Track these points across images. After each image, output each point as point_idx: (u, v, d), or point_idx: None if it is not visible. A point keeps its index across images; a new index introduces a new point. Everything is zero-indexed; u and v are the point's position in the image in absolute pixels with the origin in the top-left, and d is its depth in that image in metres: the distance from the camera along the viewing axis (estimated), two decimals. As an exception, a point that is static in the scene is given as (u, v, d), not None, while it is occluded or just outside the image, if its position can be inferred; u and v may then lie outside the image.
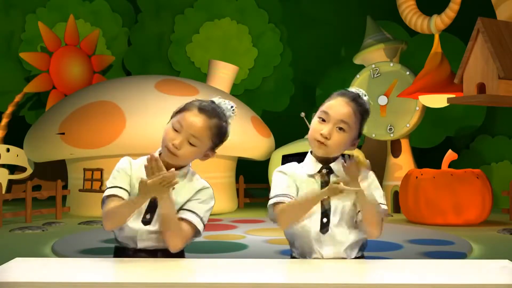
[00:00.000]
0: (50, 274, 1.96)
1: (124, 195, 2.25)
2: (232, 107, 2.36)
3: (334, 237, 2.25)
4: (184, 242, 2.24)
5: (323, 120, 2.27)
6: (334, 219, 2.25)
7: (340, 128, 2.25)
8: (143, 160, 2.29)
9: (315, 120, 2.30)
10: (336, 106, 2.28)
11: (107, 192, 2.26)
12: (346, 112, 2.27)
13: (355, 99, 2.31)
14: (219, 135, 2.32)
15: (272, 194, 2.29)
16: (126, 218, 2.22)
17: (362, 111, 2.32)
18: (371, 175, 2.31)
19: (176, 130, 2.25)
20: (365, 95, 2.37)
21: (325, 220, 2.25)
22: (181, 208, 2.27)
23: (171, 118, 2.32)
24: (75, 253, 5.15)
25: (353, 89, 2.36)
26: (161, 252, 2.28)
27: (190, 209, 2.27)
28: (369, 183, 2.28)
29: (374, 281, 1.91)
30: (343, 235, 2.25)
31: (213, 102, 2.34)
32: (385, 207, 2.29)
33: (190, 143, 2.25)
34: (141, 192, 2.14)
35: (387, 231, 6.82)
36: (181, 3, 10.94)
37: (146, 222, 2.26)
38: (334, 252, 2.25)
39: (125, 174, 2.29)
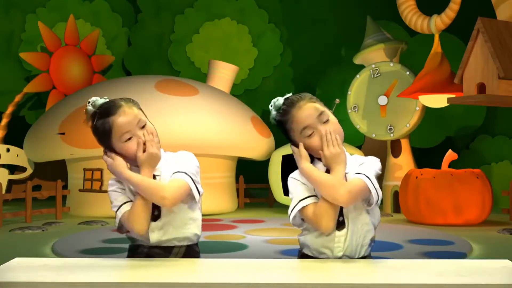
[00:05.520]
0: (50, 274, 1.96)
1: None
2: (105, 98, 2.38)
3: (350, 235, 2.24)
4: (173, 193, 2.23)
5: (311, 134, 2.27)
6: (349, 216, 2.24)
7: (325, 121, 2.27)
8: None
9: (306, 142, 2.28)
10: (305, 112, 2.27)
11: (120, 212, 2.29)
12: (312, 110, 2.27)
13: (303, 97, 2.31)
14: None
15: (294, 200, 2.28)
16: (145, 205, 2.23)
17: (311, 97, 2.33)
18: (366, 159, 2.32)
19: (129, 139, 2.27)
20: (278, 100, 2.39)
21: (341, 218, 2.25)
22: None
23: (107, 146, 2.32)
24: (75, 253, 5.15)
25: (278, 99, 2.37)
26: (177, 249, 2.31)
27: (174, 171, 2.30)
28: (360, 163, 2.29)
29: (374, 281, 1.91)
30: (358, 232, 2.25)
31: (104, 103, 2.33)
32: (371, 187, 2.20)
33: (143, 127, 2.29)
34: (140, 166, 2.26)
35: (387, 231, 6.82)
36: (181, 3, 10.95)
37: (155, 217, 2.30)
38: (348, 250, 2.25)
39: (121, 189, 2.33)
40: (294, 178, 2.33)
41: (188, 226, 2.34)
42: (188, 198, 2.31)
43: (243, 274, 2.00)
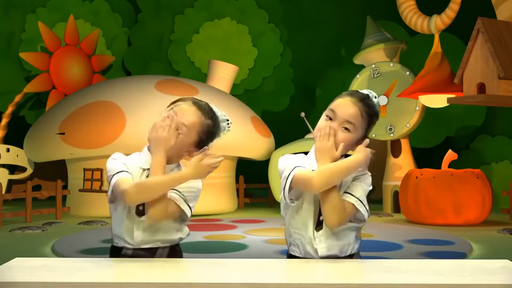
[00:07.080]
0: (50, 274, 1.96)
1: (131, 179, 2.26)
2: (227, 120, 2.39)
3: (329, 234, 2.24)
4: (164, 215, 2.23)
5: (330, 119, 2.27)
6: None
7: (346, 128, 2.26)
8: (134, 156, 2.38)
9: (322, 118, 2.30)
10: (344, 106, 2.27)
11: (119, 176, 2.24)
12: (353, 112, 2.26)
13: (363, 100, 2.29)
14: (208, 134, 2.35)
15: (288, 169, 2.21)
16: (160, 193, 2.21)
17: (370, 113, 2.30)
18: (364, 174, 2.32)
19: (168, 117, 2.29)
20: (375, 97, 2.34)
21: (321, 217, 2.24)
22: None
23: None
24: (75, 253, 5.16)
25: (364, 90, 2.35)
26: (161, 250, 2.30)
27: (175, 190, 2.28)
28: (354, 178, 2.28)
29: (374, 281, 1.91)
30: (340, 231, 2.24)
31: (209, 106, 2.37)
32: (361, 208, 2.23)
33: (178, 129, 2.29)
34: (191, 170, 2.25)
35: (387, 231, 6.81)
36: (181, 3, 10.95)
37: (140, 213, 2.27)
38: (328, 249, 2.24)
39: (123, 163, 2.31)
40: (287, 156, 2.32)
41: (176, 232, 2.35)
42: (177, 215, 2.31)
43: (242, 274, 2.00)
